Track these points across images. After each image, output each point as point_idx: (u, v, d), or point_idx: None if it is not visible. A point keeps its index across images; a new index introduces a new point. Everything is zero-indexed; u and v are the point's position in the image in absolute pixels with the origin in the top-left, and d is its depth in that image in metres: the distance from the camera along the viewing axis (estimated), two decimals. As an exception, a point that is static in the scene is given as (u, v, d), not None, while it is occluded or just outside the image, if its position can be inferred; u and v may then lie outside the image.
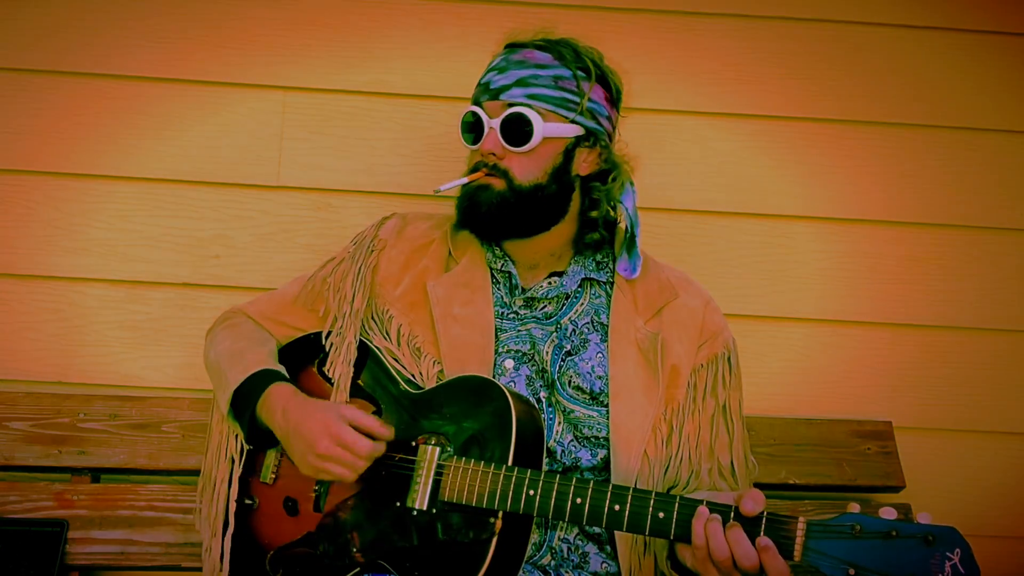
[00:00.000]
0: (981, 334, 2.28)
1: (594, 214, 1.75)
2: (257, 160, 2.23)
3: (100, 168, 2.21)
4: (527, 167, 1.68)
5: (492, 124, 1.68)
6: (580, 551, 1.65)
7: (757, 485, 1.73)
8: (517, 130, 1.66)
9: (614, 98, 1.76)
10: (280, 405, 1.62)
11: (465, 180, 1.71)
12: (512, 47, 1.74)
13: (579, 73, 1.69)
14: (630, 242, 1.73)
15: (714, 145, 2.29)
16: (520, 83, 1.67)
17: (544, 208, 1.70)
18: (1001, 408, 2.27)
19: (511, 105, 1.66)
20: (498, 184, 1.68)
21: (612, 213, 1.80)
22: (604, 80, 1.74)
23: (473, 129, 1.72)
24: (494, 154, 1.68)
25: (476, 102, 1.72)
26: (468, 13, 2.28)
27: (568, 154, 1.71)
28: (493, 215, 1.68)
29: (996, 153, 2.31)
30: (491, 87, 1.70)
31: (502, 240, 1.76)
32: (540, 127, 1.65)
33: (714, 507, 1.37)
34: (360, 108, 2.26)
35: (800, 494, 2.18)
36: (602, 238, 1.77)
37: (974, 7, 2.31)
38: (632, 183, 1.78)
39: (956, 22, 2.32)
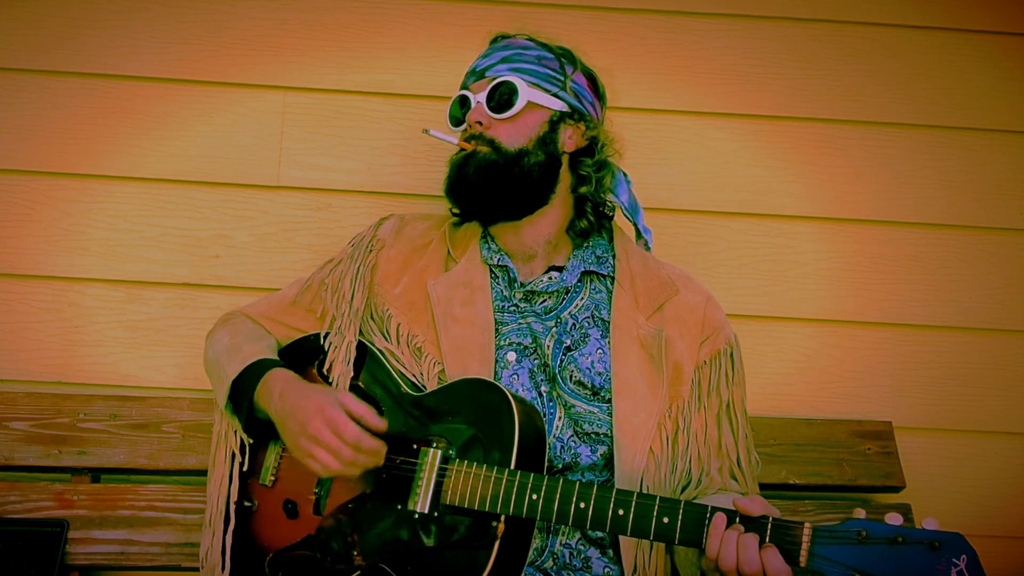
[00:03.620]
0: (981, 334, 2.28)
1: (583, 190, 1.77)
2: (257, 160, 2.23)
3: (100, 168, 2.21)
4: (512, 133, 1.71)
5: (478, 98, 1.72)
6: (582, 556, 1.63)
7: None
8: (501, 97, 1.71)
9: (599, 92, 1.83)
10: (279, 388, 1.61)
11: (455, 139, 1.75)
12: (496, 38, 1.82)
13: (562, 58, 1.77)
14: (636, 234, 1.80)
15: (714, 145, 2.29)
16: (504, 60, 1.74)
17: (531, 178, 1.71)
18: (1001, 408, 2.27)
19: (495, 78, 1.72)
20: (485, 150, 1.71)
21: (606, 202, 1.82)
22: (589, 74, 1.81)
23: (459, 110, 1.77)
24: (480, 123, 1.72)
25: (463, 87, 1.79)
26: (468, 13, 2.28)
27: (553, 126, 1.74)
28: (481, 178, 1.69)
29: (996, 153, 2.31)
30: (476, 69, 1.77)
31: (491, 216, 1.77)
32: (524, 91, 1.70)
33: (716, 510, 1.37)
34: (360, 108, 2.26)
35: (800, 494, 2.18)
36: (590, 225, 1.79)
37: (974, 7, 2.31)
38: (625, 174, 1.83)
39: (956, 22, 2.32)
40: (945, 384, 2.27)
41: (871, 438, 2.19)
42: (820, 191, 2.29)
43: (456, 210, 1.83)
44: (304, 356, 1.76)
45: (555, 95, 1.74)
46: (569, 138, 1.76)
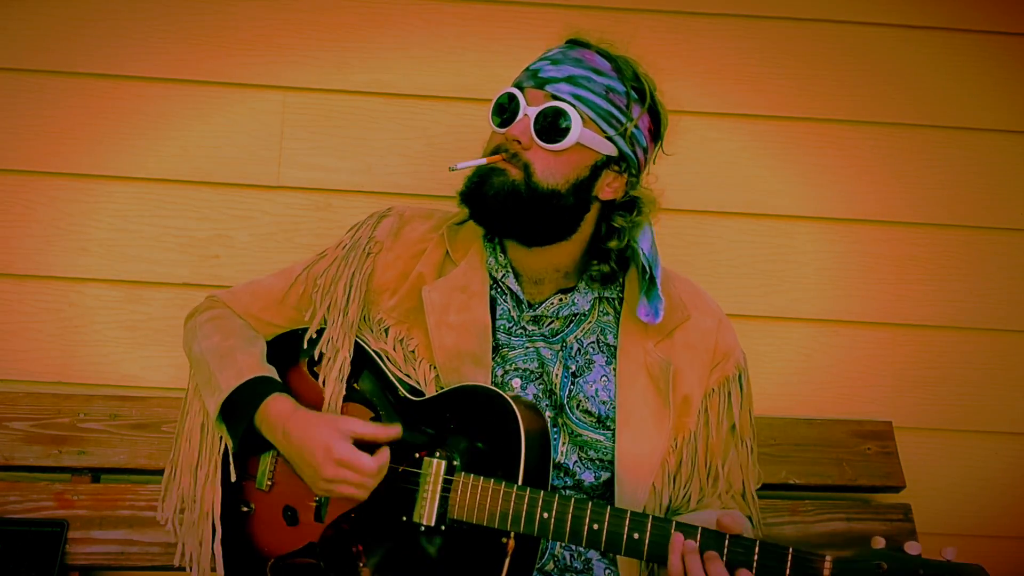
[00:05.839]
0: (981, 334, 2.28)
1: (612, 244, 1.63)
2: (257, 160, 2.23)
3: (100, 168, 2.21)
4: (550, 167, 1.55)
5: (528, 111, 1.55)
6: (583, 558, 1.63)
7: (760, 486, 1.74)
8: (552, 125, 1.54)
9: (657, 133, 1.65)
10: (280, 425, 1.57)
11: (483, 161, 1.57)
12: (573, 43, 1.63)
13: (632, 94, 1.58)
14: (649, 284, 1.61)
15: (714, 145, 2.29)
16: (570, 80, 1.55)
17: (554, 219, 1.58)
18: (1001, 408, 2.27)
19: (554, 98, 1.54)
20: (515, 173, 1.55)
21: (629, 247, 1.65)
22: (655, 112, 1.63)
23: (505, 111, 1.59)
24: (519, 142, 1.55)
25: (517, 85, 1.60)
26: (468, 13, 2.28)
27: (595, 171, 1.59)
28: (499, 203, 1.55)
29: (996, 153, 2.31)
30: (539, 75, 1.58)
31: (502, 236, 1.66)
32: (578, 129, 1.53)
33: (707, 534, 1.37)
34: (360, 108, 2.26)
35: (800, 494, 2.18)
36: (612, 272, 1.65)
37: (974, 7, 2.31)
38: (650, 224, 1.68)
39: (956, 22, 2.31)
40: (945, 384, 2.27)
41: (871, 438, 2.19)
42: (821, 191, 2.29)
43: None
44: (292, 351, 1.72)
45: (609, 138, 1.57)
46: (608, 186, 1.61)
